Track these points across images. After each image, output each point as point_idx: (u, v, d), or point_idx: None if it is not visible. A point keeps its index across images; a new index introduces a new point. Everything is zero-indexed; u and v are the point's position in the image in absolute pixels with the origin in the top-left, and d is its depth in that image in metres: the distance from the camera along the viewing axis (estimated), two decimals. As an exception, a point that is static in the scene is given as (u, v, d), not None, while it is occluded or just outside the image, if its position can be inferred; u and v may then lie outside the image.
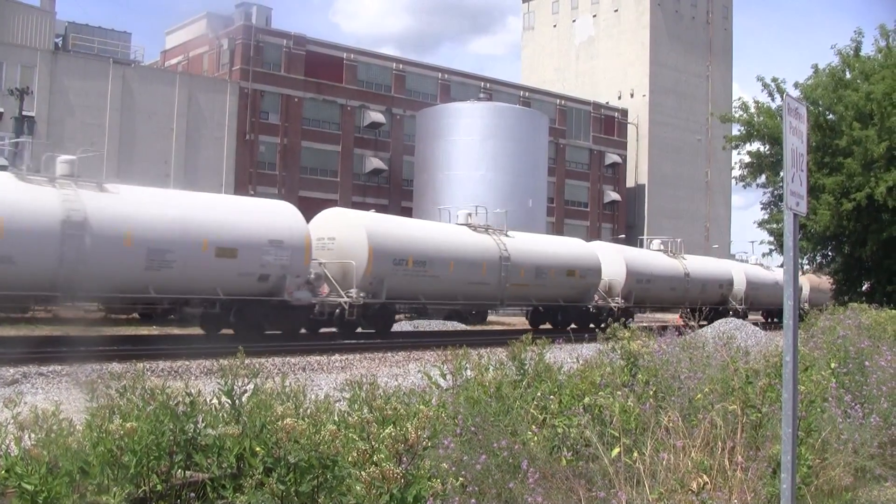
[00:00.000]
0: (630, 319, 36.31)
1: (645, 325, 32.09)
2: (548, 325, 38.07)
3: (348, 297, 27.52)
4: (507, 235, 34.88)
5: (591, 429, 6.35)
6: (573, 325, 37.60)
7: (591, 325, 37.14)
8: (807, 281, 58.87)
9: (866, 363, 9.98)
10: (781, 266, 49.41)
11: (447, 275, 31.25)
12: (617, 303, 39.50)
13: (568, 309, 38.01)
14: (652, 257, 44.72)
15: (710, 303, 43.95)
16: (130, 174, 35.37)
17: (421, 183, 62.94)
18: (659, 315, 51.16)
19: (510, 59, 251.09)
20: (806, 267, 41.81)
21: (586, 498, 5.60)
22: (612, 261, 40.19)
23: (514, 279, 33.92)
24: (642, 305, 44.27)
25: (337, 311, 27.47)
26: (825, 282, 54.07)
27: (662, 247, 47.03)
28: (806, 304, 51.69)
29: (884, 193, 31.26)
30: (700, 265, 47.94)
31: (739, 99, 37.79)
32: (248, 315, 25.21)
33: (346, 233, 28.55)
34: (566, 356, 11.51)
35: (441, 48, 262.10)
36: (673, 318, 43.48)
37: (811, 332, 14.79)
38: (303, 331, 28.31)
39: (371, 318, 29.55)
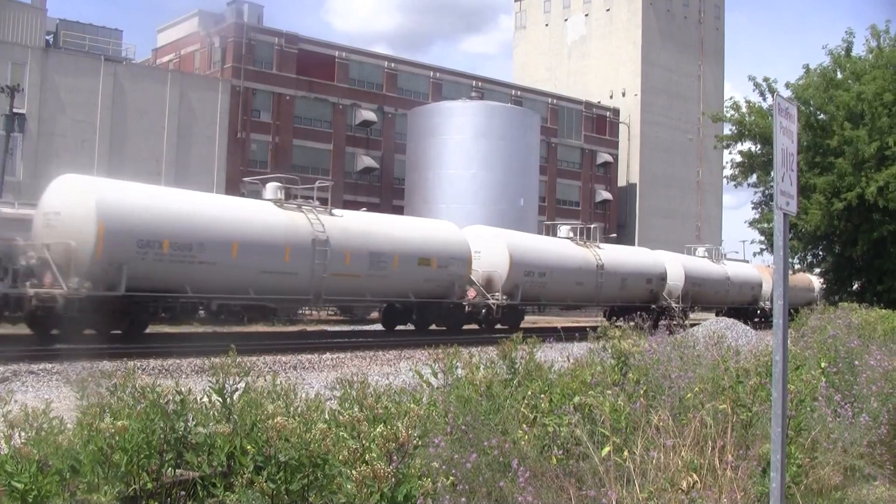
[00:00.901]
0: (519, 320, 36.98)
1: (543, 327, 32.69)
2: (411, 326, 34.26)
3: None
4: (330, 214, 29.38)
5: (581, 428, 6.35)
6: (434, 326, 34.24)
7: (482, 327, 35.43)
8: (770, 277, 58.43)
9: (856, 362, 10.01)
10: (771, 265, 50.02)
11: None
12: (497, 300, 34.78)
13: (428, 306, 32.97)
14: (551, 245, 40.45)
15: (634, 300, 41.64)
16: (121, 172, 35.21)
17: (412, 182, 62.92)
18: (559, 318, 49.45)
19: (502, 58, 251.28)
20: (797, 266, 41.85)
21: (576, 496, 5.61)
22: (492, 248, 35.51)
23: (336, 267, 27.92)
24: (535, 303, 40.77)
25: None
26: (799, 278, 54.59)
27: (571, 233, 42.58)
28: (768, 303, 55.15)
29: (874, 193, 31.34)
30: (621, 256, 43.73)
31: (731, 99, 37.91)
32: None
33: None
34: (557, 355, 11.52)
35: (433, 47, 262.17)
36: (582, 320, 43.94)
37: (801, 332, 14.83)
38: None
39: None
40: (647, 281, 43.66)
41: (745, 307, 54.42)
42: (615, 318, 39.66)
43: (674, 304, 41.78)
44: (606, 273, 40.24)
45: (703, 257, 52.69)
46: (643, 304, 39.85)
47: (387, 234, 30.59)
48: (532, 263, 36.70)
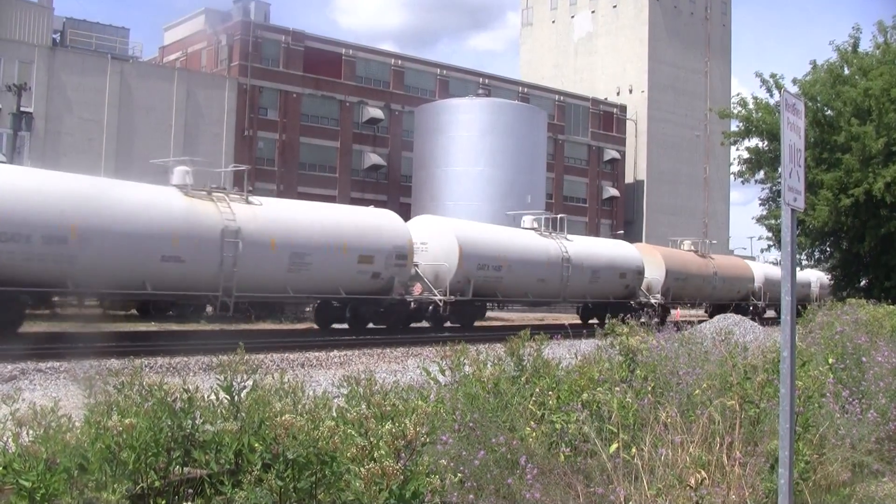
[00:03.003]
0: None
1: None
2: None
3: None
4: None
5: (589, 424, 6.36)
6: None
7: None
8: (760, 270, 55.89)
9: (864, 359, 9.99)
10: (777, 262, 49.83)
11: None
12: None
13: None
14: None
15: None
16: (129, 170, 35.28)
17: (419, 179, 62.92)
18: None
19: (509, 55, 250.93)
20: (804, 263, 41.81)
21: (584, 493, 5.61)
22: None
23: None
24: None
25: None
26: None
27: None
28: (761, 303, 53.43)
29: (882, 189, 31.31)
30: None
31: (738, 95, 37.85)
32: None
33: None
34: (565, 352, 11.52)
35: (439, 44, 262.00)
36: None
37: (809, 328, 14.81)
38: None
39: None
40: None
41: (619, 303, 42.68)
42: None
43: (437, 298, 31.48)
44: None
45: (531, 228, 40.59)
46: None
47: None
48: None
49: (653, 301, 40.11)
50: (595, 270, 38.36)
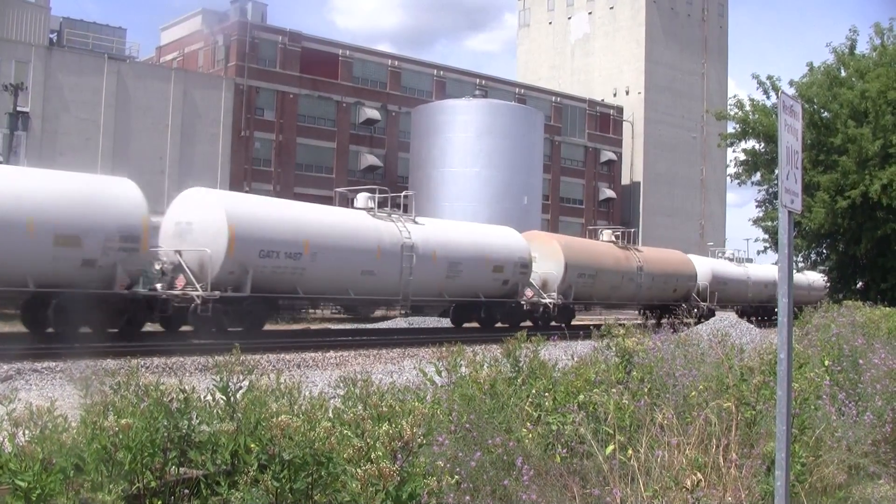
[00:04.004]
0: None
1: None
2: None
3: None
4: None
5: (585, 426, 6.35)
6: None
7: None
8: (706, 266, 50.07)
9: (860, 361, 10.00)
10: (776, 263, 49.40)
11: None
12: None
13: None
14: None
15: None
16: (125, 170, 35.23)
17: (416, 180, 62.84)
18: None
19: (506, 56, 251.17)
20: (801, 265, 41.79)
21: (581, 495, 5.61)
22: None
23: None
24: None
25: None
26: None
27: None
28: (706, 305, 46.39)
29: (878, 191, 31.34)
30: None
31: (735, 97, 37.93)
32: None
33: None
34: (561, 353, 11.52)
35: (436, 45, 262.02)
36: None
37: (805, 330, 14.82)
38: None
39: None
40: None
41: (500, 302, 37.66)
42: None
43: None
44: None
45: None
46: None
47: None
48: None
49: (547, 301, 35.99)
50: (455, 262, 31.93)
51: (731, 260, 55.90)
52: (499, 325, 34.32)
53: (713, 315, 42.45)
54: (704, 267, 48.86)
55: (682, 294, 45.68)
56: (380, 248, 28.99)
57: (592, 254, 38.99)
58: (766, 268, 57.41)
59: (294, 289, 26.84)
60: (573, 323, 37.78)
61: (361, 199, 31.74)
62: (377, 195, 31.54)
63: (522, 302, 35.52)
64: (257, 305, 26.09)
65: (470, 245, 33.30)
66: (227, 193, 30.14)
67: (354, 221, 29.43)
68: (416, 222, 31.68)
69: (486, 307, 34.25)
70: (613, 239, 43.57)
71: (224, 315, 25.02)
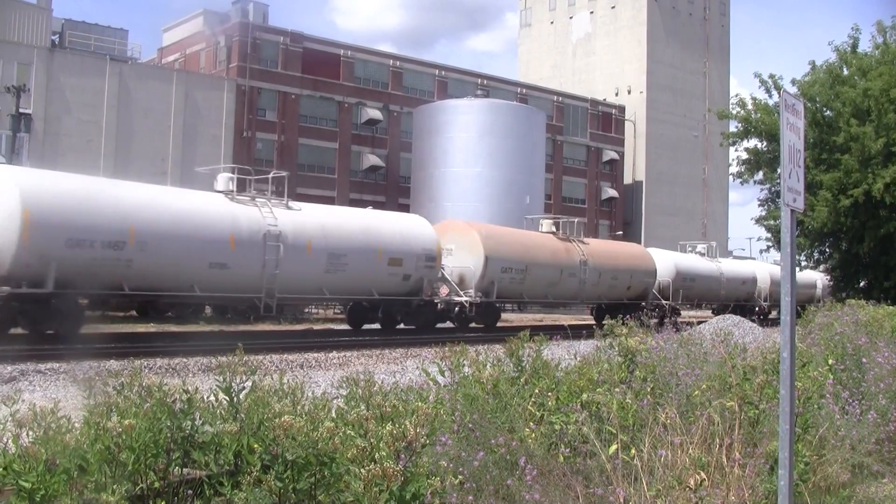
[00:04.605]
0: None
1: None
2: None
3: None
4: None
5: (588, 425, 6.35)
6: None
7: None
8: (668, 261, 45.18)
9: (864, 360, 9.98)
10: (779, 262, 48.94)
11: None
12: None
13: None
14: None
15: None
16: (127, 172, 35.28)
17: (418, 180, 62.96)
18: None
19: (507, 55, 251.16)
20: (804, 264, 41.75)
21: (584, 494, 5.61)
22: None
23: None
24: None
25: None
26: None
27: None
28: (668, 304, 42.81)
29: (881, 190, 31.33)
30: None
31: (737, 95, 37.88)
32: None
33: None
34: (564, 353, 11.51)
35: (438, 45, 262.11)
36: None
37: (809, 329, 14.80)
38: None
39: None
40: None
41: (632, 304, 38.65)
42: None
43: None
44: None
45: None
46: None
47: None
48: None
49: (463, 299, 31.93)
50: (337, 254, 27.54)
51: (702, 255, 49.90)
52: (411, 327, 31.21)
53: (678, 314, 40.58)
54: (666, 262, 43.95)
55: (639, 292, 41.23)
56: (234, 236, 24.64)
57: (521, 246, 34.33)
58: (744, 263, 54.85)
59: (119, 284, 22.38)
60: (498, 325, 34.81)
61: (221, 180, 27.28)
62: (234, 176, 27.37)
63: (436, 300, 31.73)
64: (66, 304, 21.72)
65: (358, 234, 28.48)
66: (22, 170, 23.94)
67: (201, 205, 24.83)
68: (289, 207, 27.36)
69: (384, 307, 30.52)
70: (553, 229, 38.37)
71: (21, 315, 21.68)
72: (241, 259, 24.69)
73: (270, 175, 29.04)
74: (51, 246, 20.49)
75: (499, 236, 34.19)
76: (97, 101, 52.30)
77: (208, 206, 24.87)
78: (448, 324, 33.39)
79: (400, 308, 30.70)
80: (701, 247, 50.87)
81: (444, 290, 31.99)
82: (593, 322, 37.51)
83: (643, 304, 38.16)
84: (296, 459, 4.89)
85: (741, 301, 49.78)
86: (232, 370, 6.45)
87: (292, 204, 27.92)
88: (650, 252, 43.73)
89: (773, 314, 50.49)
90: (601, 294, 38.84)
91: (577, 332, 13.11)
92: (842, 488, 7.29)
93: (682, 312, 43.13)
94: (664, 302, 40.86)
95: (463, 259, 32.17)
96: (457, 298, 32.09)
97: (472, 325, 33.25)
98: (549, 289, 35.78)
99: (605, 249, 40.08)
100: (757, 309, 49.70)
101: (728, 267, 50.16)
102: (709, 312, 46.97)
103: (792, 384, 5.62)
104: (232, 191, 26.50)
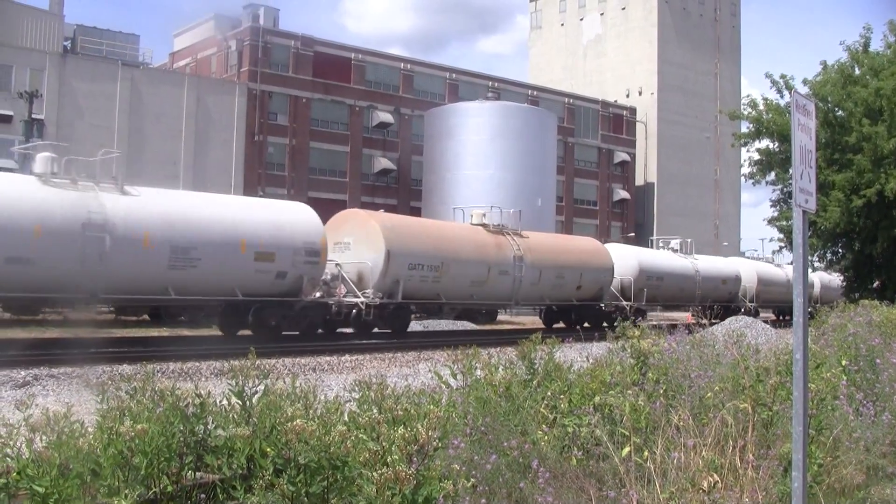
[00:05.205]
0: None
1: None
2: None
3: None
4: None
5: (601, 428, 6.34)
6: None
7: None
8: (631, 257, 41.78)
9: (877, 360, 9.94)
10: (791, 263, 48.23)
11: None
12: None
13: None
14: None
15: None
16: (139, 176, 35.34)
17: (430, 183, 62.96)
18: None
19: (518, 58, 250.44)
20: (816, 264, 41.58)
21: (597, 497, 5.60)
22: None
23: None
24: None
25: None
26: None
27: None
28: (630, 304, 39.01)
29: (894, 189, 31.20)
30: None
31: (748, 96, 37.71)
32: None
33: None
34: (576, 355, 11.50)
35: (448, 48, 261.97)
36: None
37: (822, 330, 14.75)
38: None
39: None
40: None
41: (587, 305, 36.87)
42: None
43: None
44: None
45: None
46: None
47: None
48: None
49: (360, 300, 27.80)
50: (184, 247, 23.38)
51: (675, 251, 46.50)
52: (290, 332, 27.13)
53: (643, 316, 37.45)
54: (628, 259, 40.42)
55: (593, 292, 37.41)
56: (40, 227, 20.73)
57: (435, 239, 30.28)
58: (726, 261, 51.59)
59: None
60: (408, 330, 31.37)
61: (40, 160, 22.91)
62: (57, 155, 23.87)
63: (331, 302, 27.47)
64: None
65: (215, 223, 24.42)
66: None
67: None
68: (125, 192, 23.32)
69: (256, 310, 25.42)
70: (483, 221, 33.93)
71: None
72: (48, 253, 20.65)
73: (99, 157, 25.07)
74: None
75: (405, 227, 30.16)
76: (109, 106, 52.45)
77: (7, 190, 20.88)
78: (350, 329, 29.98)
79: (275, 311, 25.76)
80: (675, 242, 47.08)
81: (340, 290, 27.85)
82: (542, 327, 35.58)
83: (599, 305, 36.62)
84: (308, 463, 4.89)
85: (723, 302, 43.66)
86: (244, 374, 6.46)
87: (130, 189, 23.56)
88: (608, 247, 40.13)
89: (762, 316, 48.12)
90: (544, 295, 34.73)
91: (588, 335, 13.07)
92: (856, 490, 7.26)
93: (647, 314, 40.48)
94: (625, 303, 37.10)
95: (362, 254, 28.13)
96: (352, 299, 27.76)
97: (376, 329, 29.81)
98: (475, 289, 31.42)
99: (547, 244, 35.96)
100: (742, 311, 45.33)
101: (705, 264, 46.37)
102: (685, 315, 42.55)
103: (805, 385, 5.60)
104: (56, 173, 22.29)
